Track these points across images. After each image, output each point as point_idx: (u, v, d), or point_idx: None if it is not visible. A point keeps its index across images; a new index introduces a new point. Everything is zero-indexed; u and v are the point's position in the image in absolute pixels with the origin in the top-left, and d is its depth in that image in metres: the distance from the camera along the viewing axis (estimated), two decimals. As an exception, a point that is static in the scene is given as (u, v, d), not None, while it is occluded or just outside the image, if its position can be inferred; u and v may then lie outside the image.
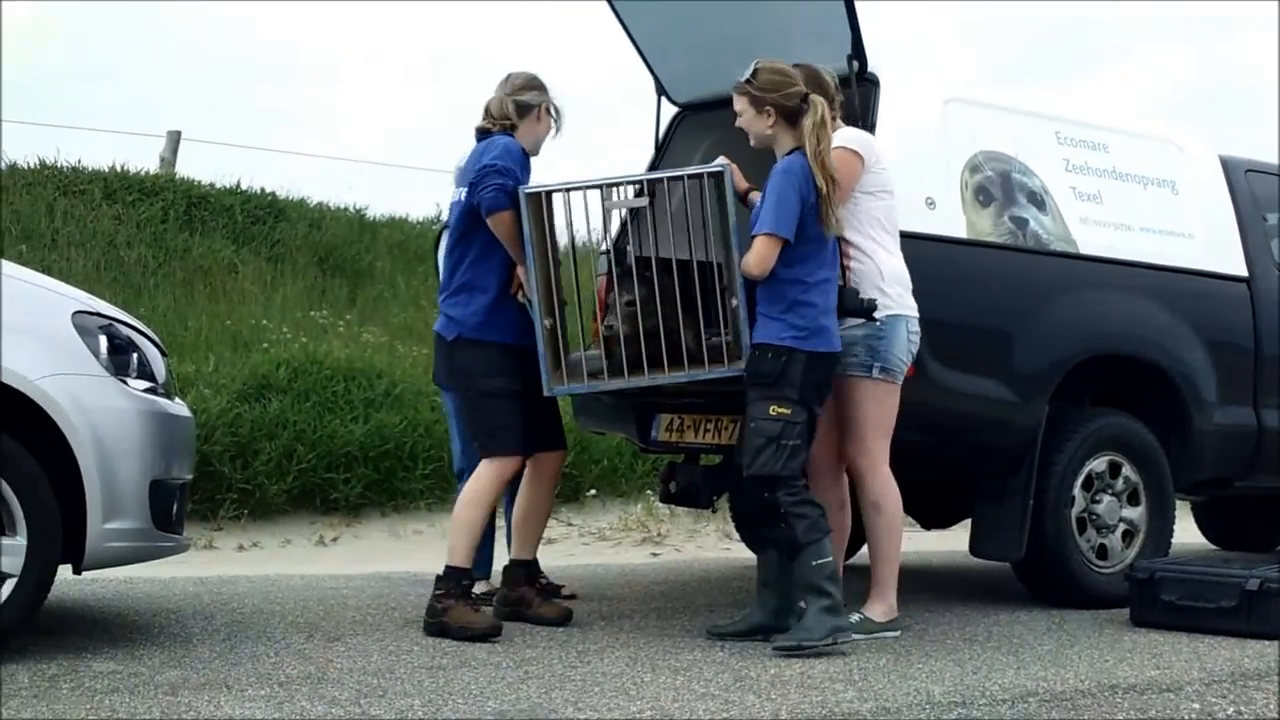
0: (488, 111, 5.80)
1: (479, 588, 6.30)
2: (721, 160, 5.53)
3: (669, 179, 5.66)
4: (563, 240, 5.62)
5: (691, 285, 5.48)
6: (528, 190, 5.47)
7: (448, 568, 5.61)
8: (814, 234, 5.35)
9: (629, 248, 6.12)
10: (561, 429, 6.02)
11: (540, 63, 6.05)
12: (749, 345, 5.37)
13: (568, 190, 5.54)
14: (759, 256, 5.30)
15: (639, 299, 5.53)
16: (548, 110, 5.84)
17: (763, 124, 5.44)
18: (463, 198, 5.72)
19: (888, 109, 6.25)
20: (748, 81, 5.43)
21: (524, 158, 5.68)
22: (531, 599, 5.98)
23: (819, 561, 5.32)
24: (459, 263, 5.74)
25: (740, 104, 5.47)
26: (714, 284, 5.50)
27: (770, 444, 5.29)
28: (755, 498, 5.43)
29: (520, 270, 5.59)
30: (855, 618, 5.60)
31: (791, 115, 5.40)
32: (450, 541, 5.68)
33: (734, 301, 5.45)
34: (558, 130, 5.91)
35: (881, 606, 5.74)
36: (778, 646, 5.29)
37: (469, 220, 5.68)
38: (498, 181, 5.50)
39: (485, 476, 5.66)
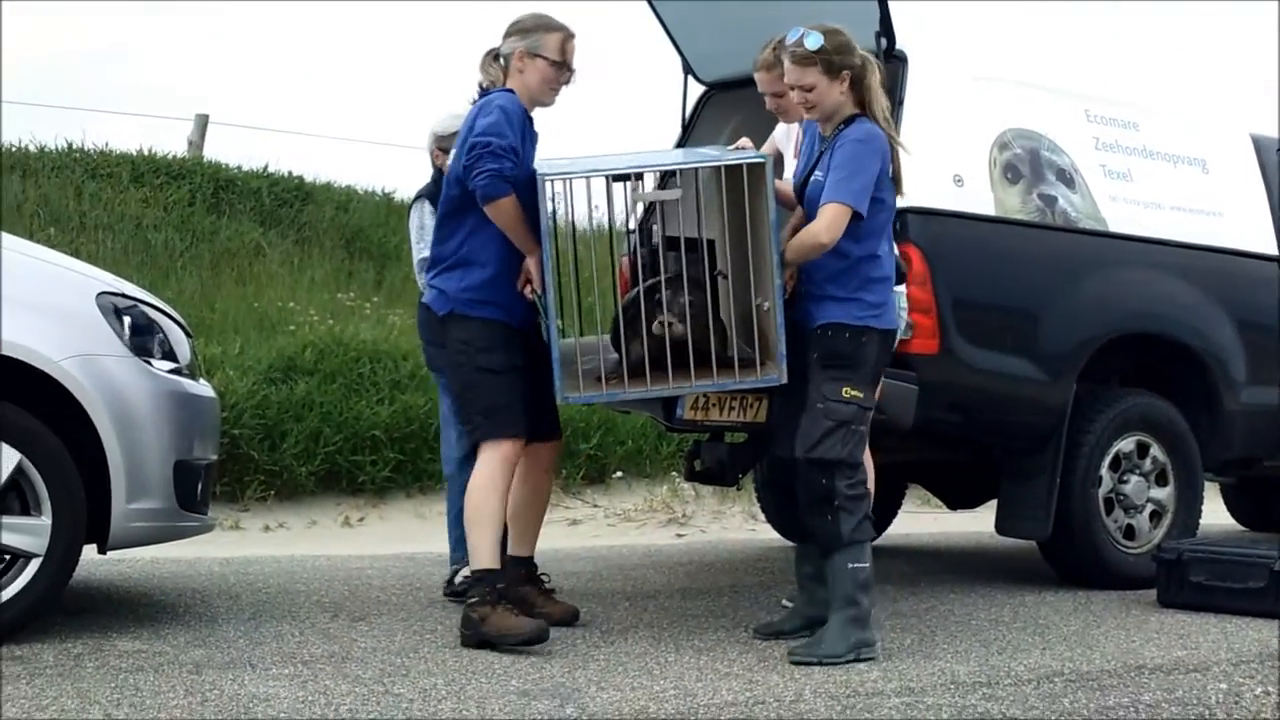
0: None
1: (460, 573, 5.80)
2: (746, 147, 5.20)
3: (704, 169, 5.14)
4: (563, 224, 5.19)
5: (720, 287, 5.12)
6: (548, 174, 4.90)
7: (475, 572, 5.09)
8: (886, 203, 5.00)
9: (655, 231, 6.01)
10: (557, 416, 5.47)
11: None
12: (784, 353, 4.89)
13: (598, 176, 5.06)
14: (832, 225, 4.82)
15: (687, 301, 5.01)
16: (529, 55, 5.13)
17: (836, 91, 4.92)
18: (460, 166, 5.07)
19: (916, 86, 6.21)
20: (820, 50, 4.89)
21: (524, 119, 5.09)
22: (534, 598, 5.46)
23: (856, 565, 4.86)
24: (453, 234, 5.17)
25: (811, 75, 4.91)
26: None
27: (840, 428, 4.86)
28: (797, 483, 4.99)
29: (530, 261, 5.08)
30: None
31: (858, 78, 4.96)
32: (470, 544, 5.10)
33: (765, 304, 4.98)
34: (559, 69, 5.16)
35: None
36: (795, 660, 4.81)
37: (465, 189, 5.06)
38: (492, 167, 4.91)
39: (488, 462, 5.07)
